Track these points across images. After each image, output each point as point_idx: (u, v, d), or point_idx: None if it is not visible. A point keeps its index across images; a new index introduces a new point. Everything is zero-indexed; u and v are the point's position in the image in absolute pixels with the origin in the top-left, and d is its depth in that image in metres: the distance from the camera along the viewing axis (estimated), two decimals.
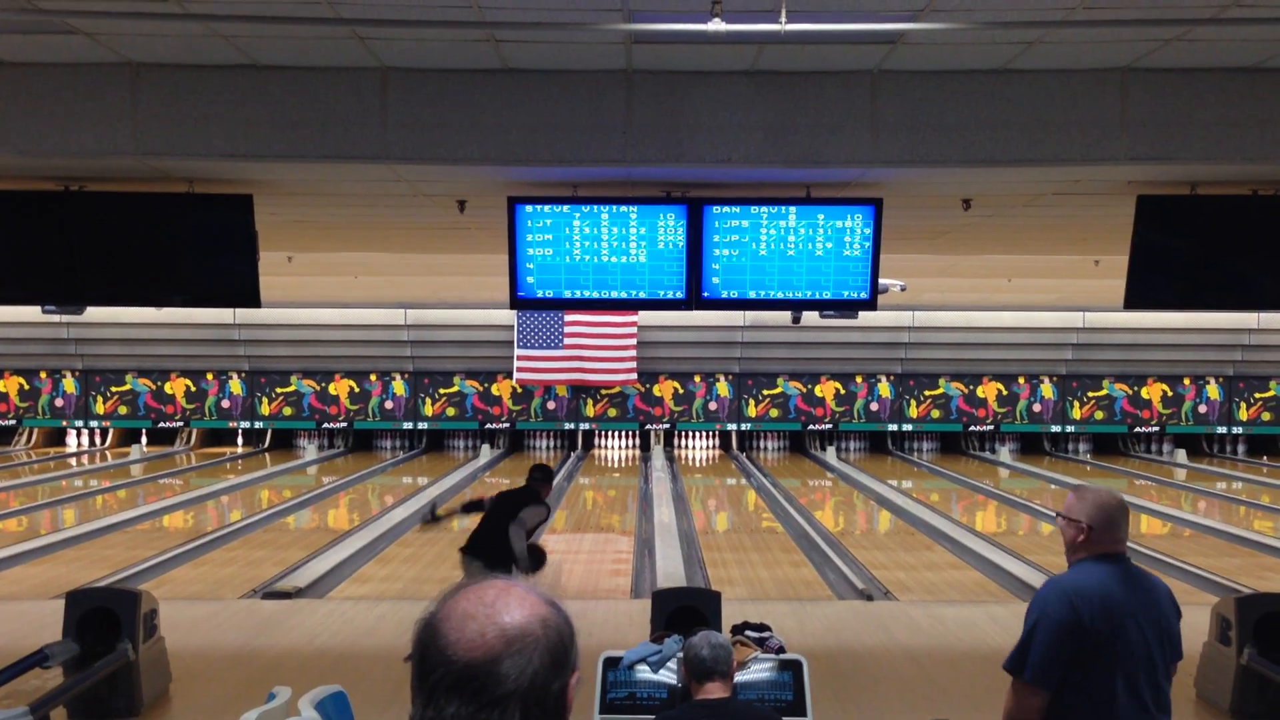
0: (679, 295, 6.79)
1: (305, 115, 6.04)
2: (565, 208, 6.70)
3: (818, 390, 23.85)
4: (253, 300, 6.79)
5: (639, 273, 6.77)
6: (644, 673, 4.99)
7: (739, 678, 4.87)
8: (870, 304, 6.84)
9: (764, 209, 6.68)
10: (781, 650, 5.12)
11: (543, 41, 5.60)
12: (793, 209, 6.68)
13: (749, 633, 5.25)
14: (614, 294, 6.82)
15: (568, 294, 6.84)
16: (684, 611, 6.65)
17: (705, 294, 6.78)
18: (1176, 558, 12.38)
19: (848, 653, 7.89)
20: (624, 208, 6.69)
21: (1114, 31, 5.24)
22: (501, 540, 8.46)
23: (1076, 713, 3.39)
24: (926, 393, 23.91)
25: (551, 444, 24.92)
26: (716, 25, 4.65)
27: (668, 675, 4.92)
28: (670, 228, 6.71)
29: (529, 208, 6.71)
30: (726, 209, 6.68)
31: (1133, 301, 6.77)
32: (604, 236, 6.73)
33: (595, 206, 6.68)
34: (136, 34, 5.55)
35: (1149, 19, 5.03)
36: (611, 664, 4.99)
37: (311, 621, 8.75)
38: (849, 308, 6.91)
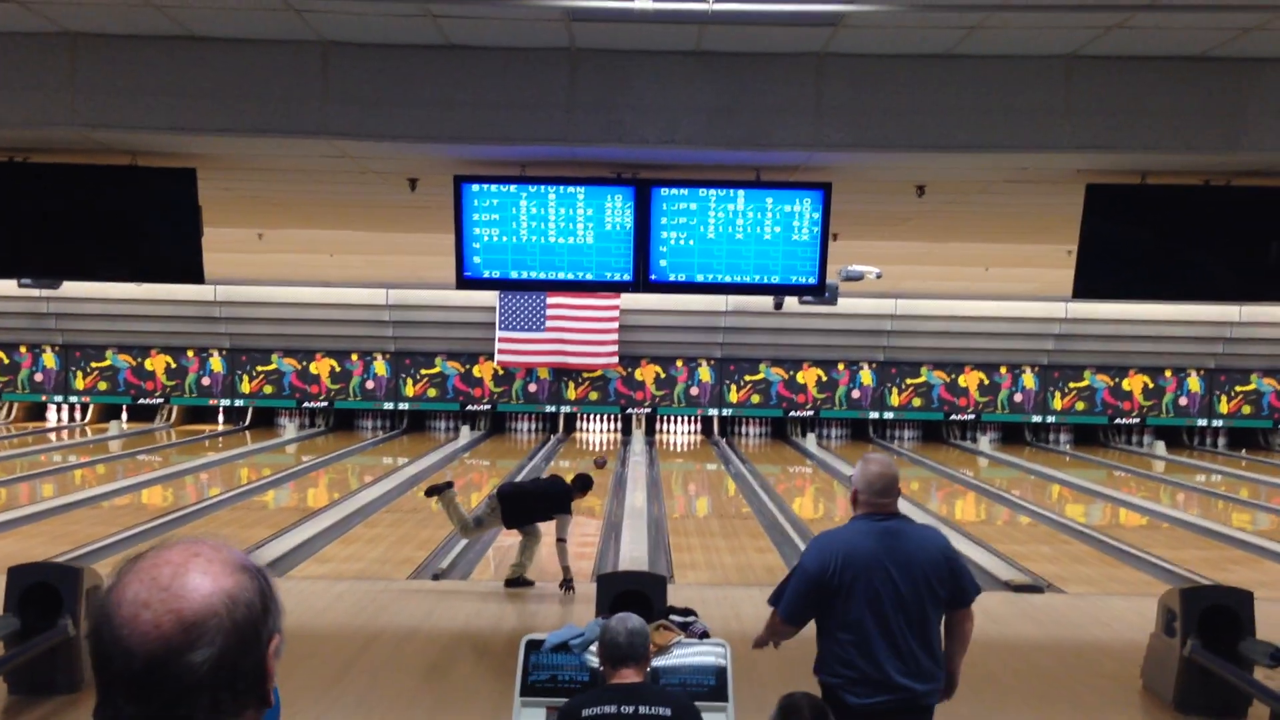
0: (626, 277, 6.73)
1: (245, 89, 5.96)
2: (512, 187, 6.64)
3: (800, 377, 23.83)
4: (196, 277, 6.73)
5: (586, 254, 6.72)
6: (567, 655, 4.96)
7: (661, 662, 4.85)
8: (818, 289, 6.79)
9: (712, 191, 6.62)
10: (705, 635, 5.08)
11: (483, 18, 5.53)
12: (741, 192, 6.62)
13: (673, 617, 5.22)
14: (561, 275, 6.77)
15: (514, 274, 6.78)
16: (629, 595, 6.64)
17: (653, 276, 6.73)
18: (1146, 549, 12.38)
19: (800, 639, 7.88)
20: (571, 188, 6.63)
21: (1055, 17, 5.18)
22: (526, 512, 9.57)
23: (840, 643, 4.01)
24: (908, 381, 23.89)
25: (532, 426, 24.90)
26: (644, 3, 4.60)
27: (590, 658, 4.89)
28: (618, 209, 6.65)
29: (475, 187, 6.65)
30: (675, 191, 6.62)
31: (1081, 291, 6.73)
32: (551, 217, 6.67)
33: (542, 186, 6.62)
34: (72, 3, 5.48)
35: (1087, 4, 4.97)
36: (534, 646, 4.95)
37: None
38: (796, 293, 6.86)
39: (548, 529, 9.66)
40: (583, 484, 9.74)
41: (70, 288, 18.02)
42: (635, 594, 6.57)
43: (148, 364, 23.65)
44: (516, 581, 9.51)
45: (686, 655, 4.89)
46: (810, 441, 23.42)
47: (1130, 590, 10.57)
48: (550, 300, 22.06)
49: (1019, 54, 5.79)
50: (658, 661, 4.75)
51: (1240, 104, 5.78)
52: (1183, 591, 6.90)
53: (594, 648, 4.90)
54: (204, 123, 6.05)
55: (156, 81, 5.97)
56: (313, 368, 23.78)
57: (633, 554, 11.40)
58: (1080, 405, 23.92)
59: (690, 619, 5.24)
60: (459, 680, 7.09)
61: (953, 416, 24.05)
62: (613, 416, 24.48)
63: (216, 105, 6.02)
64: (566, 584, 9.20)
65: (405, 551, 11.65)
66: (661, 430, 24.72)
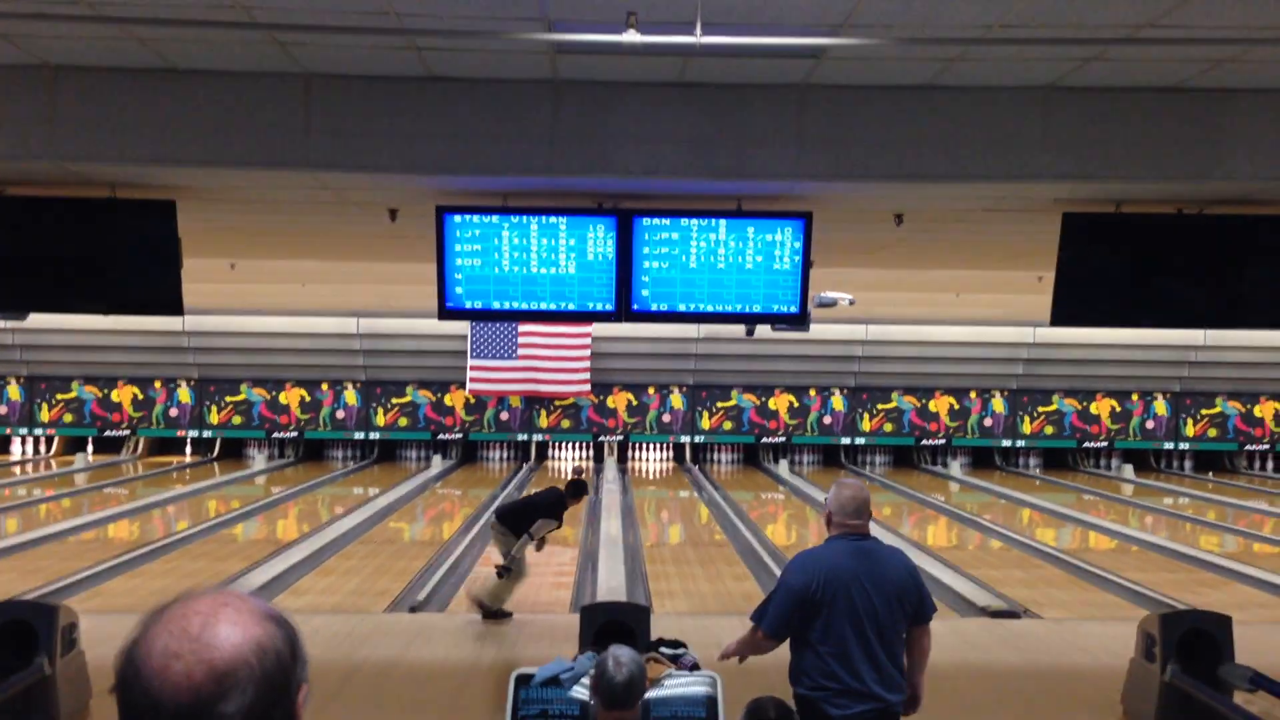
0: (608, 307, 6.74)
1: (226, 121, 5.95)
2: (494, 218, 6.64)
3: (771, 403, 23.89)
4: (175, 309, 6.68)
5: (568, 284, 6.72)
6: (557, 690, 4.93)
7: (653, 694, 4.82)
8: (799, 318, 6.82)
9: (694, 221, 6.65)
10: (696, 667, 5.07)
11: (466, 50, 5.55)
12: (723, 221, 6.65)
13: (663, 649, 5.20)
14: (543, 305, 6.77)
15: (496, 305, 6.78)
16: (612, 626, 6.60)
17: (635, 306, 6.74)
18: (1117, 573, 12.45)
19: (780, 667, 7.87)
20: (553, 218, 6.64)
21: (1034, 50, 5.26)
22: (523, 521, 9.58)
23: (821, 656, 4.26)
24: (879, 406, 24.00)
25: (504, 455, 24.80)
26: (632, 37, 4.63)
27: (580, 692, 4.86)
28: (600, 239, 6.67)
29: (457, 217, 6.64)
30: (656, 221, 6.65)
31: (1059, 318, 6.80)
32: (533, 247, 6.67)
33: (524, 217, 6.63)
34: (52, 36, 5.45)
35: (1065, 39, 5.05)
36: (524, 681, 4.92)
37: None
38: (778, 322, 6.89)
39: (535, 560, 9.80)
40: (576, 489, 9.78)
41: (35, 318, 17.79)
42: (619, 625, 6.54)
43: (114, 395, 23.40)
44: (493, 614, 9.42)
45: (677, 687, 4.87)
46: (783, 468, 23.46)
47: (1104, 614, 10.64)
48: (522, 328, 22.03)
49: (998, 85, 5.87)
50: (650, 694, 4.73)
51: (1214, 134, 5.89)
52: (1162, 616, 6.95)
53: (585, 681, 4.87)
54: (185, 155, 6.03)
55: (137, 114, 5.95)
56: (282, 398, 23.60)
57: (610, 584, 11.36)
58: (1049, 429, 24.12)
59: (680, 651, 5.23)
60: (440, 715, 7.02)
61: (924, 441, 24.18)
62: (585, 444, 24.43)
63: (198, 138, 6.01)
64: (503, 569, 9.37)
65: (381, 583, 11.56)
66: (634, 458, 24.69)
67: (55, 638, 6.52)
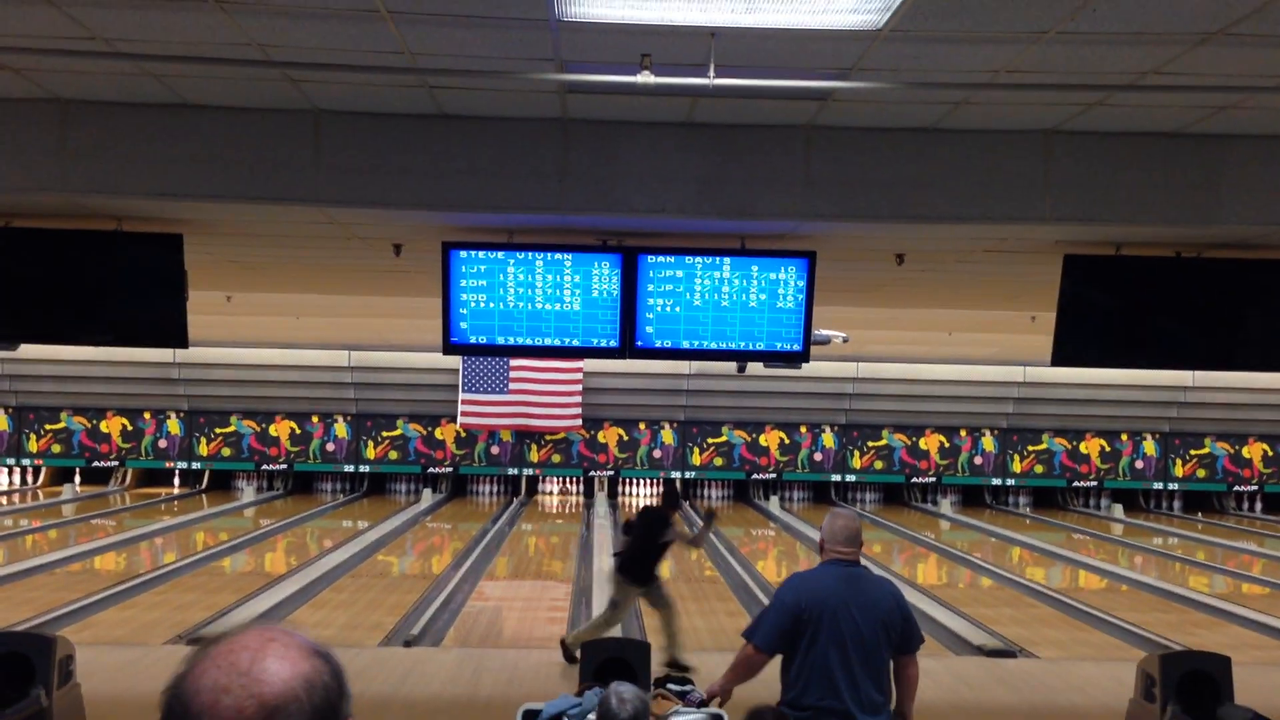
0: (612, 344, 6.78)
1: (236, 155, 5.99)
2: (500, 254, 6.68)
3: (762, 439, 23.92)
4: (180, 341, 6.70)
5: (573, 320, 6.76)
6: None
7: None
8: (803, 356, 6.87)
9: (699, 259, 6.70)
10: (703, 704, 5.08)
11: (477, 89, 5.61)
12: (727, 260, 6.71)
13: (670, 686, 5.21)
14: (547, 341, 6.80)
15: (501, 340, 6.81)
16: (613, 663, 6.59)
17: (639, 343, 6.78)
18: (1110, 612, 12.48)
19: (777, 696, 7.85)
20: (559, 255, 6.69)
21: (1037, 95, 5.35)
22: (644, 561, 9.19)
23: (805, 673, 4.45)
24: (870, 444, 24.05)
25: (495, 489, 24.75)
26: (646, 78, 4.70)
27: None
28: (605, 276, 6.71)
29: (463, 253, 6.69)
30: (661, 258, 6.70)
31: (1060, 359, 6.86)
32: (538, 284, 6.72)
33: (530, 253, 6.67)
34: (65, 71, 5.49)
35: (1070, 84, 5.14)
36: (530, 717, 4.92)
37: None
38: (782, 359, 6.94)
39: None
40: (670, 496, 9.67)
41: (24, 349, 17.77)
42: (619, 661, 6.53)
43: (103, 426, 23.29)
44: (675, 665, 8.59)
45: None
46: (773, 504, 23.46)
47: (1098, 654, 10.65)
48: (513, 363, 22.03)
49: (1001, 129, 5.96)
50: None
51: (1214, 179, 5.98)
52: (1162, 657, 6.97)
53: (591, 717, 4.87)
54: (194, 189, 6.06)
55: (147, 148, 5.99)
56: (272, 430, 23.53)
57: None
58: (1039, 468, 24.18)
59: (688, 688, 5.24)
60: None
61: (914, 479, 24.21)
62: (575, 479, 24.39)
63: (207, 172, 6.04)
64: (673, 669, 8.39)
65: (374, 617, 11.51)
66: (624, 493, 24.66)
67: (52, 669, 6.48)
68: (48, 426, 23.20)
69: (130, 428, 23.33)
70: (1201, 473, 24.19)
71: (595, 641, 7.69)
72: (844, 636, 4.43)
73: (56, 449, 23.27)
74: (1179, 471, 24.18)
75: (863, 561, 4.68)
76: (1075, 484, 24.32)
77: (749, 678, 4.71)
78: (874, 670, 4.48)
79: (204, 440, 23.46)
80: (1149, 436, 24.06)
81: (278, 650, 1.30)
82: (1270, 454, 24.11)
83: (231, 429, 23.49)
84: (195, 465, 23.78)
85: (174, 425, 23.40)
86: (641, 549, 9.27)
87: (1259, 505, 24.80)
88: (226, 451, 23.54)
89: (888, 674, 4.57)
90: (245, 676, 1.26)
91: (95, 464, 23.47)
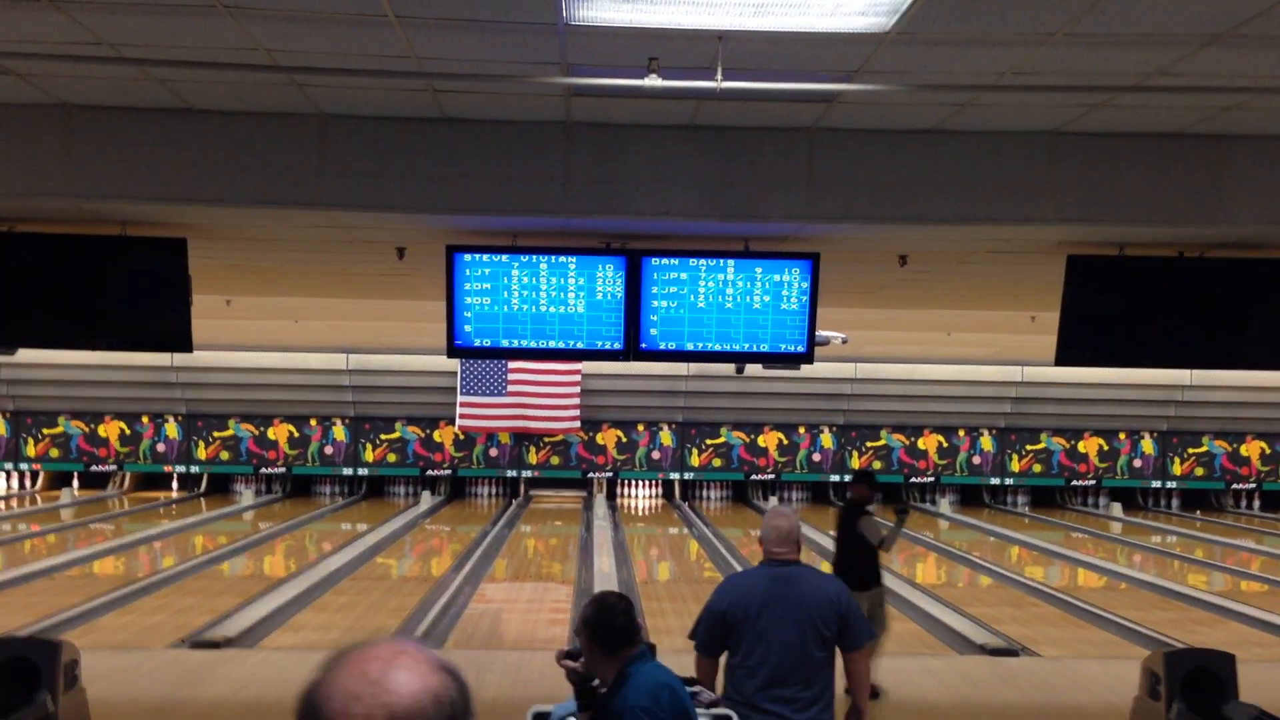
0: (617, 346, 6.79)
1: (241, 160, 5.99)
2: (504, 257, 6.69)
3: (761, 440, 23.92)
4: (185, 345, 6.70)
5: (577, 323, 6.77)
6: None
7: None
8: (807, 357, 6.89)
9: (702, 262, 6.71)
10: (714, 704, 5.08)
11: (482, 92, 5.62)
12: (731, 262, 6.72)
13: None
14: (552, 344, 6.81)
15: (505, 343, 6.81)
16: None
17: (643, 345, 6.79)
18: (1111, 610, 12.50)
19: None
20: (563, 258, 6.69)
21: (1042, 97, 5.36)
22: (853, 562, 8.35)
23: (743, 670, 4.58)
24: (868, 444, 24.06)
25: (493, 491, 24.74)
26: (654, 81, 4.70)
27: None
28: (609, 279, 6.72)
29: (467, 256, 6.69)
30: (665, 261, 6.71)
31: (1064, 358, 6.88)
32: (542, 286, 6.72)
33: (534, 256, 6.68)
34: (70, 76, 5.49)
35: (1075, 85, 5.15)
36: (541, 718, 4.91)
37: (240, 672, 8.56)
38: (786, 361, 6.95)
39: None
40: (866, 477, 8.82)
41: (22, 353, 17.75)
42: None
43: (101, 430, 23.26)
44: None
45: None
46: (772, 505, 23.47)
47: (1100, 652, 10.67)
48: (512, 365, 22.02)
49: (1005, 130, 5.97)
50: None
51: (1217, 179, 6.00)
52: (1166, 655, 6.98)
53: None
54: (198, 193, 6.07)
55: (152, 153, 5.99)
56: (270, 433, 23.50)
57: None
58: (1037, 467, 24.21)
59: (697, 688, 5.23)
60: None
61: (912, 479, 24.23)
62: (574, 481, 24.39)
63: (211, 176, 6.05)
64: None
65: (378, 619, 11.51)
66: (623, 494, 24.66)
67: (57, 674, 6.47)
68: (45, 431, 23.16)
69: (128, 432, 23.30)
70: (1199, 471, 24.23)
71: None
72: (769, 636, 4.53)
73: (54, 453, 23.23)
74: (1177, 470, 24.21)
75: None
76: (1073, 483, 24.35)
77: (710, 679, 4.77)
78: (801, 668, 4.54)
79: (202, 444, 23.43)
80: (1147, 435, 24.10)
81: (407, 663, 1.33)
82: (1268, 452, 24.16)
83: (230, 432, 23.47)
84: (194, 469, 23.74)
85: (172, 429, 23.37)
86: (846, 547, 8.49)
87: (1257, 503, 24.85)
88: (225, 455, 23.52)
89: (825, 671, 4.61)
90: (376, 686, 1.29)
91: (93, 468, 23.43)
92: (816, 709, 4.58)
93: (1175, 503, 25.02)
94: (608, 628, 3.83)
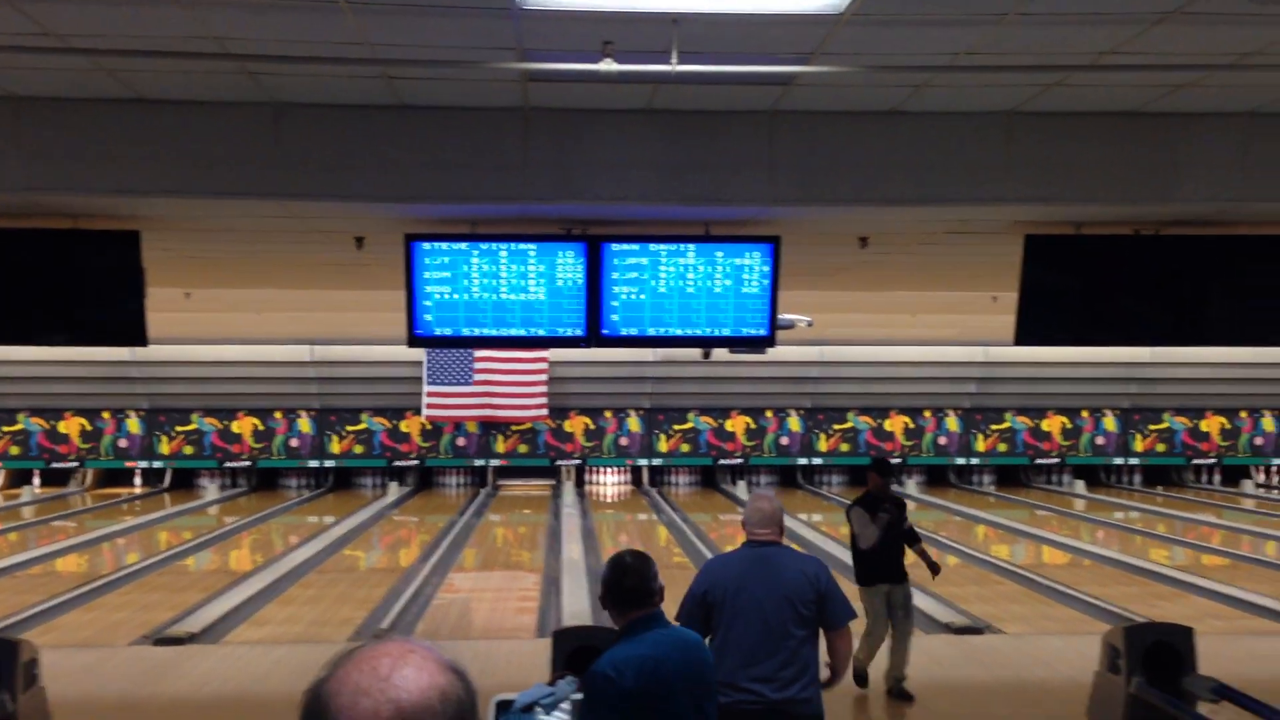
0: (578, 333, 6.76)
1: (194, 150, 5.91)
2: (463, 245, 6.64)
3: (728, 425, 23.98)
4: (139, 339, 6.61)
5: (538, 310, 6.74)
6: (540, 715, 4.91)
7: None
8: (769, 340, 6.88)
9: (663, 246, 6.69)
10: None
11: (438, 79, 5.57)
12: (691, 246, 6.70)
13: None
14: (513, 332, 6.77)
15: (466, 332, 6.77)
16: (585, 651, 6.58)
17: (605, 331, 6.76)
18: (1074, 587, 12.63)
19: None
20: (522, 245, 6.65)
21: (997, 77, 5.37)
22: (886, 555, 8.02)
23: (728, 646, 4.61)
24: (835, 426, 24.17)
25: (461, 481, 24.66)
26: (608, 65, 4.68)
27: (561, 716, 4.85)
28: (569, 265, 6.69)
29: (426, 245, 6.64)
30: (625, 246, 6.68)
31: (1023, 338, 6.92)
32: (503, 274, 6.68)
33: (494, 244, 6.64)
34: (17, 67, 5.39)
35: (1029, 65, 5.17)
36: (504, 707, 4.89)
37: (203, 668, 8.49)
38: (749, 344, 6.95)
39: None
40: (874, 465, 8.33)
41: None
42: (591, 649, 6.53)
43: (61, 427, 22.99)
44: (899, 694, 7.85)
45: None
46: (740, 489, 23.53)
47: (1064, 628, 10.78)
48: (478, 354, 21.94)
49: (962, 110, 5.99)
50: None
51: (1172, 157, 6.04)
52: (1126, 629, 7.05)
53: (565, 706, 4.86)
54: (151, 185, 5.98)
55: (104, 145, 5.90)
56: (235, 427, 23.31)
57: (574, 608, 11.33)
58: (1002, 447, 24.41)
59: (555, 685, 5.22)
60: None
61: (878, 456, 24.33)
62: (543, 469, 24.36)
63: (163, 167, 5.96)
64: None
65: (344, 612, 11.45)
66: (591, 481, 24.65)
67: (16, 673, 6.39)
68: (4, 428, 22.87)
69: (89, 428, 23.05)
70: (1161, 447, 24.52)
71: (567, 630, 7.68)
72: (746, 615, 4.60)
73: (15, 450, 22.95)
74: (1139, 446, 24.48)
75: (834, 548, 4.73)
76: (1038, 461, 24.58)
77: None
78: (778, 646, 4.60)
79: (165, 439, 23.21)
80: (1109, 413, 24.34)
81: (417, 661, 1.35)
82: (1228, 427, 24.48)
83: (193, 427, 23.26)
84: (157, 464, 23.53)
85: (134, 424, 23.13)
86: (868, 553, 8.06)
87: (1217, 478, 25.19)
88: (189, 450, 23.31)
89: (805, 649, 4.65)
90: (384, 682, 1.31)
91: (54, 465, 23.17)
92: (797, 687, 4.62)
93: (1137, 479, 25.31)
94: (616, 586, 3.86)
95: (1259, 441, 24.55)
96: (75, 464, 23.34)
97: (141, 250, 6.47)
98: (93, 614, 11.42)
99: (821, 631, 4.76)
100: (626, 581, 3.86)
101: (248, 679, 8.20)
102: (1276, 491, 24.56)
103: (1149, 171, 6.09)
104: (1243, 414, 24.43)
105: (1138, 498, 23.43)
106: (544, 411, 22.76)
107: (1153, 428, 24.44)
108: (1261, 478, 25.38)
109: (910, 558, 8.25)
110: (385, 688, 1.31)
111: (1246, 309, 6.94)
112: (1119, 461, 24.70)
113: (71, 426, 23.03)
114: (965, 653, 9.17)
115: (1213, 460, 24.72)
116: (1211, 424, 24.48)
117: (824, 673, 4.85)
